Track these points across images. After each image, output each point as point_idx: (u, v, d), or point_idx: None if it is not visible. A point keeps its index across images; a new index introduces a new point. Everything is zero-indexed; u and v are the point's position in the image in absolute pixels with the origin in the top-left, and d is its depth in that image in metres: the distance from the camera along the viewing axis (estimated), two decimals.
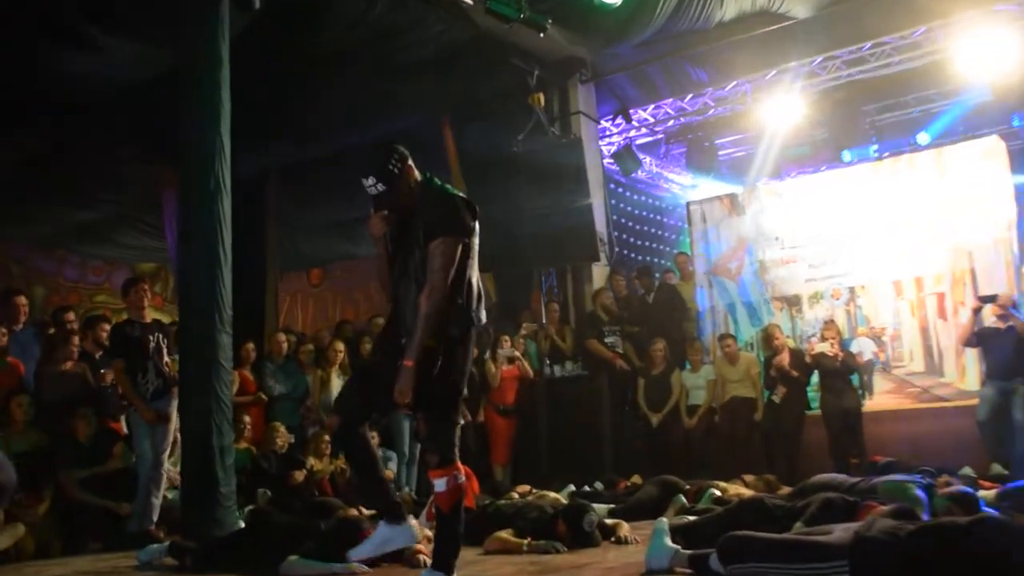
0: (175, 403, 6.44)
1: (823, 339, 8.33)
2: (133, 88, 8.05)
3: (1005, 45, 9.14)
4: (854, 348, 8.53)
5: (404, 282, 3.67)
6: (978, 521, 3.24)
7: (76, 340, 7.10)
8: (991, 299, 7.82)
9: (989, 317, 7.88)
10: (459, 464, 3.69)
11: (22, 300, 7.59)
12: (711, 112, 11.66)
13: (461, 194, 3.80)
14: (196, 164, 6.12)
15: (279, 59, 8.20)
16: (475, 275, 3.73)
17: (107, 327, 7.38)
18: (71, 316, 7.79)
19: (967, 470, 6.98)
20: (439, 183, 3.80)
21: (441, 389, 3.65)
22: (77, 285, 14.03)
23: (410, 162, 3.72)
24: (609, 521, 5.30)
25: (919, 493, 4.68)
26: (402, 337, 3.63)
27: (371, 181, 3.62)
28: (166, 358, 6.63)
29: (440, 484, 3.64)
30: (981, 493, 5.12)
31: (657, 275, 10.31)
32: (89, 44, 7.22)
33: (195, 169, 6.13)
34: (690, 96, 11.45)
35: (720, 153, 13.01)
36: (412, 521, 3.90)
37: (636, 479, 7.63)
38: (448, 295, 3.57)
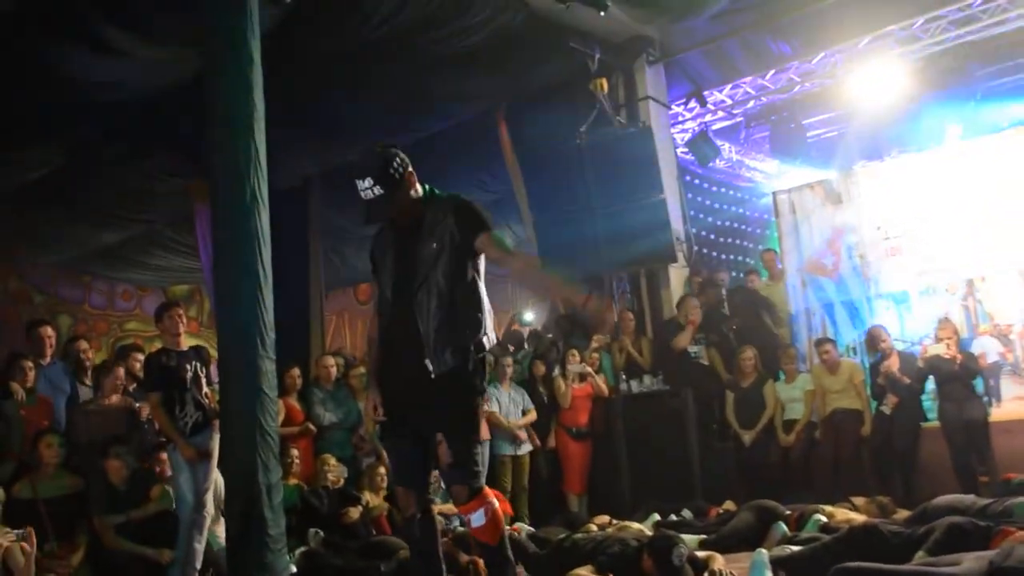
0: (217, 437, 6.52)
1: (938, 340, 8.17)
2: (158, 94, 8.21)
3: None
4: (975, 349, 8.34)
5: (422, 294, 3.71)
6: None
7: (121, 372, 7.28)
8: None
9: None
10: (488, 489, 3.76)
11: (48, 331, 7.78)
12: (797, 89, 11.53)
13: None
14: (229, 175, 6.16)
15: (315, 56, 8.32)
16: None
17: (140, 357, 7.54)
18: (83, 345, 7.93)
19: None
20: (441, 192, 3.92)
21: (467, 408, 3.71)
22: (105, 313, 14.35)
23: (412, 171, 3.81)
24: (701, 554, 5.28)
25: None
26: (418, 355, 3.68)
27: (367, 183, 3.69)
28: (205, 388, 6.73)
29: (477, 517, 3.68)
30: None
31: (734, 273, 10.16)
32: (108, 47, 7.35)
33: (228, 180, 6.16)
34: (772, 72, 11.33)
35: (808, 135, 12.81)
36: None
37: (729, 505, 7.60)
38: (478, 304, 3.75)
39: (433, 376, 3.65)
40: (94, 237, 11.99)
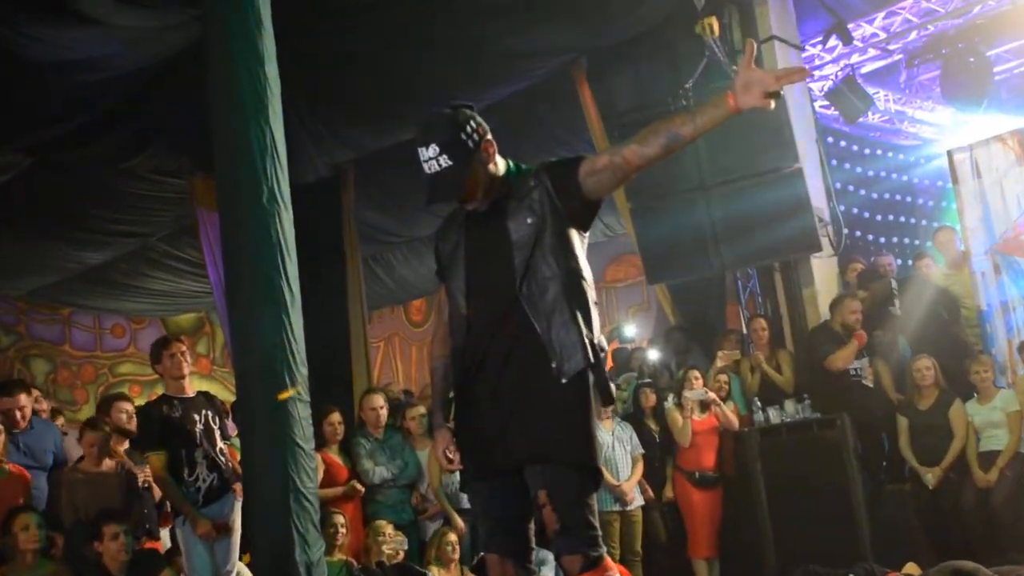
0: (238, 505, 6.62)
1: None
2: (147, 74, 8.35)
3: None
4: None
5: (529, 286, 3.69)
6: None
7: (107, 429, 7.29)
8: None
9: None
10: (609, 560, 3.72)
11: (20, 401, 7.40)
12: (976, 10, 11.35)
13: None
14: (239, 170, 6.21)
15: (342, 9, 8.40)
16: None
17: (127, 407, 7.65)
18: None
19: None
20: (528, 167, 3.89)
21: (583, 430, 3.68)
22: (92, 354, 14.58)
23: (491, 139, 3.79)
24: None
25: None
26: (526, 361, 3.67)
27: (432, 152, 3.67)
28: (220, 443, 6.83)
29: None
30: None
31: (899, 261, 10.01)
32: (88, 18, 7.44)
33: (239, 176, 6.22)
34: None
35: (996, 70, 12.58)
36: None
37: (912, 569, 7.54)
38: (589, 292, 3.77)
39: (564, 381, 3.62)
40: (73, 258, 12.16)
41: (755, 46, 3.63)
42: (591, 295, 3.77)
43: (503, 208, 3.76)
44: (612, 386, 3.81)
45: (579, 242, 3.80)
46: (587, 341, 3.67)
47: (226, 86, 6.28)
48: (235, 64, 6.23)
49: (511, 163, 3.87)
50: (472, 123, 3.72)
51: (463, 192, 3.71)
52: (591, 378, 3.68)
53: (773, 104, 3.42)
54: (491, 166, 3.77)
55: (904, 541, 8.53)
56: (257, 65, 6.22)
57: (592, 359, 3.67)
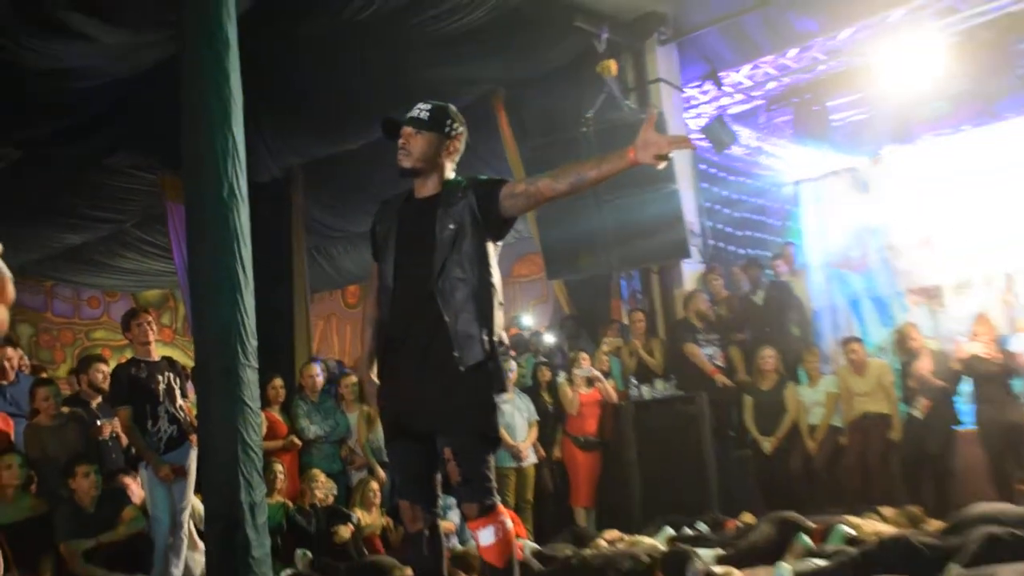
0: (194, 453, 6.58)
1: (974, 337, 8.24)
2: (127, 83, 8.24)
3: None
4: (1014, 347, 8.32)
5: (444, 281, 3.70)
6: None
7: (62, 386, 7.29)
8: None
9: None
10: (502, 507, 3.75)
11: (7, 354, 7.52)
12: (821, 68, 11.52)
13: None
14: (204, 169, 6.17)
15: (297, 38, 8.36)
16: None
17: (104, 368, 7.55)
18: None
19: None
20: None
21: (487, 407, 3.72)
22: (70, 321, 14.38)
23: (461, 142, 3.88)
24: (718, 569, 5.33)
25: None
26: (439, 348, 3.68)
27: (421, 108, 3.81)
28: (180, 401, 6.79)
29: (487, 535, 3.68)
30: None
31: (768, 271, 10.23)
32: (69, 31, 7.30)
33: (204, 175, 6.17)
34: (795, 51, 11.30)
35: (833, 118, 12.84)
36: None
37: (748, 517, 7.64)
38: (496, 295, 3.76)
39: (462, 369, 3.63)
40: (56, 239, 11.97)
41: (655, 115, 3.70)
42: (497, 298, 3.77)
43: (433, 210, 3.76)
44: (508, 375, 3.83)
45: (492, 251, 3.80)
46: (485, 338, 3.68)
47: (195, 97, 6.22)
48: (204, 78, 6.19)
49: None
50: (457, 120, 3.84)
51: (415, 152, 3.78)
52: (489, 368, 3.69)
53: (663, 165, 3.48)
54: (445, 157, 3.83)
55: (743, 496, 8.71)
56: (223, 80, 6.18)
57: (489, 353, 3.69)
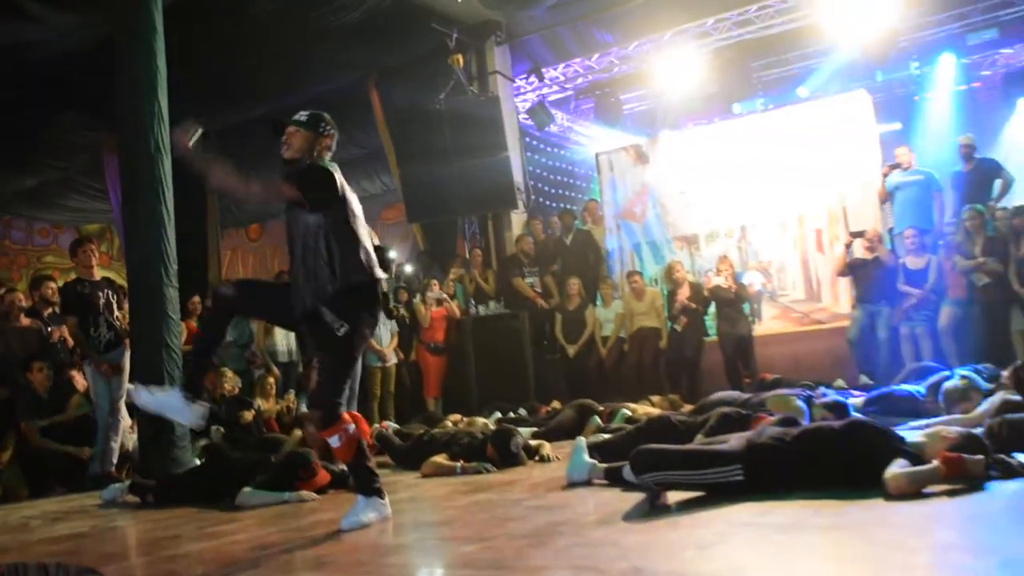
0: (127, 354, 6.32)
1: (718, 273, 8.51)
2: (74, 56, 7.70)
3: (871, 8, 9.32)
4: (745, 280, 8.70)
5: (302, 239, 3.55)
6: (848, 424, 3.42)
7: (21, 297, 6.96)
8: (860, 234, 8.19)
9: (859, 250, 8.21)
10: (346, 416, 3.55)
11: None
12: (616, 70, 11.62)
13: (329, 168, 3.63)
14: (135, 129, 5.96)
15: (213, 25, 7.93)
16: (365, 236, 3.63)
17: (53, 285, 7.20)
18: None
19: (840, 382, 7.35)
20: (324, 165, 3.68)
21: (343, 341, 3.48)
22: (25, 248, 13.54)
23: (332, 142, 3.71)
24: (533, 442, 5.37)
25: (800, 404, 4.86)
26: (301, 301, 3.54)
27: (305, 112, 3.69)
28: (116, 312, 6.49)
29: (334, 441, 3.52)
30: (852, 401, 5.36)
31: (577, 220, 10.35)
32: (24, 15, 6.90)
33: (135, 134, 5.97)
34: (597, 55, 11.38)
35: (625, 107, 12.88)
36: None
37: (556, 404, 7.73)
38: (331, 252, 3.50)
39: (309, 308, 3.49)
40: (14, 181, 11.25)
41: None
42: (337, 253, 3.49)
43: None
44: (338, 325, 3.44)
45: (324, 218, 3.52)
46: (315, 289, 3.48)
47: (128, 69, 5.99)
48: (136, 56, 5.97)
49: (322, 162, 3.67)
50: (330, 124, 3.71)
51: (288, 145, 3.66)
52: (319, 317, 3.47)
53: None
54: (317, 151, 3.67)
55: (553, 388, 8.84)
56: (151, 58, 5.97)
57: (320, 300, 3.47)
